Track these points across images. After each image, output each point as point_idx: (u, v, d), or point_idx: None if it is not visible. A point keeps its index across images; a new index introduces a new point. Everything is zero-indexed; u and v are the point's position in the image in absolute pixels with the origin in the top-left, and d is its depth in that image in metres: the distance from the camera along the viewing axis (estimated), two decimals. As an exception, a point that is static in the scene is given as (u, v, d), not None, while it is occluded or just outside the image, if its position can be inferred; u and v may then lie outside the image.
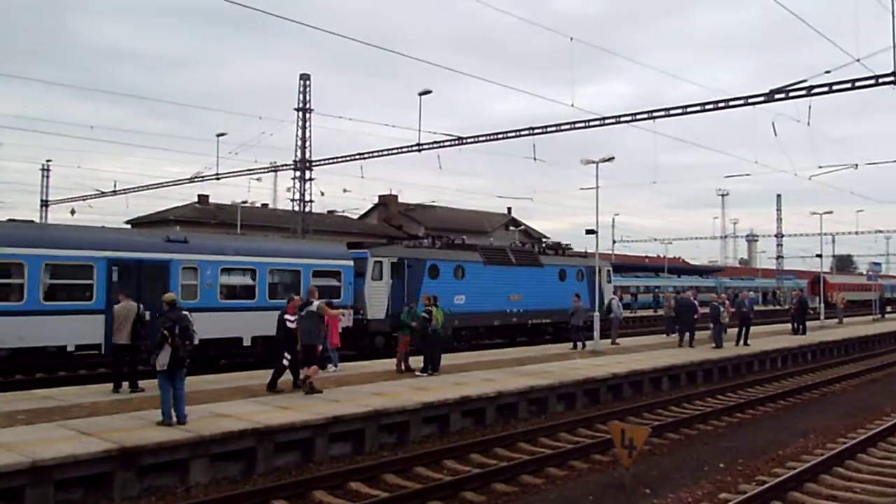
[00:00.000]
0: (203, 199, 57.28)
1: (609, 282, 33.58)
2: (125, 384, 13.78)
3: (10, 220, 19.97)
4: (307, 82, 43.09)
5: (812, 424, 14.75)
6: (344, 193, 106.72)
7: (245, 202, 52.45)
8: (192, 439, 9.96)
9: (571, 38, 23.55)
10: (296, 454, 11.17)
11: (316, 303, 14.18)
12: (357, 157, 37.11)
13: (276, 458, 10.83)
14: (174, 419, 10.68)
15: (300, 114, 42.84)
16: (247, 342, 19.24)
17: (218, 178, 41.39)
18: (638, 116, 25.84)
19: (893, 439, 13.18)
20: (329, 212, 61.32)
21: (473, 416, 14.10)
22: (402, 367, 17.29)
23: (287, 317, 14.40)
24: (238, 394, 13.58)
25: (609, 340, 25.18)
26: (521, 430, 13.48)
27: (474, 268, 26.85)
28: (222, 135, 40.70)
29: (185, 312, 11.23)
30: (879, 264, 54.54)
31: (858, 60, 19.63)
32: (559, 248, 33.62)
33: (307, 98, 43.12)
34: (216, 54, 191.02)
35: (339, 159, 39.03)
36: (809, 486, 10.11)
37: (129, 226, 50.83)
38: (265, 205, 65.86)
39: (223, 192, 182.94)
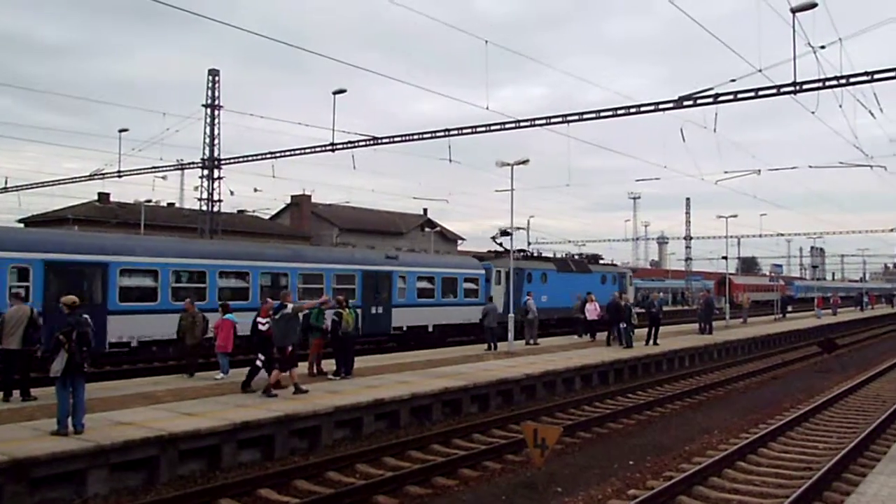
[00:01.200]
0: (104, 197, 54.91)
1: (631, 284, 42.55)
2: (16, 392, 13.00)
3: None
4: (216, 78, 42.04)
5: (717, 421, 15.24)
6: (255, 193, 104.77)
7: (149, 201, 50.60)
8: (89, 449, 9.47)
9: (486, 41, 23.50)
10: (202, 462, 10.79)
11: (290, 305, 14.58)
12: (268, 155, 36.21)
13: (181, 467, 10.44)
14: (70, 428, 10.13)
15: (208, 110, 41.75)
16: (430, 329, 24.66)
17: (120, 176, 39.62)
18: (552, 120, 26.14)
19: (792, 433, 13.74)
20: (239, 212, 59.95)
21: (387, 419, 13.94)
22: (315, 371, 16.95)
23: (259, 320, 14.64)
24: (141, 401, 13.03)
25: (524, 341, 25.47)
26: (435, 431, 13.42)
27: (552, 274, 34.60)
28: (124, 130, 39.04)
29: (85, 316, 10.67)
30: (781, 266, 57.08)
31: (761, 71, 20.33)
32: (596, 259, 42.28)
33: (216, 94, 42.07)
34: (117, 46, 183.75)
35: (250, 158, 38.05)
36: (714, 481, 10.41)
37: (21, 225, 48.32)
38: (171, 204, 63.89)
39: (126, 190, 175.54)
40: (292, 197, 65.28)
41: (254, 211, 62.40)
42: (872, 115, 22.10)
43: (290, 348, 14.26)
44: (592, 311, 27.71)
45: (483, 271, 31.38)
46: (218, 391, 14.26)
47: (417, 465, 11.01)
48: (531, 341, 25.78)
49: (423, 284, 28.02)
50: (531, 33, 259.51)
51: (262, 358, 14.39)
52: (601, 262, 42.44)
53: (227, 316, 16.38)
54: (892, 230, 66.47)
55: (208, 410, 12.13)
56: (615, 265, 46.47)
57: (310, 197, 65.04)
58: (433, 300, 26.58)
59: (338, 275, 24.87)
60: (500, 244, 34.67)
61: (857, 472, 10.67)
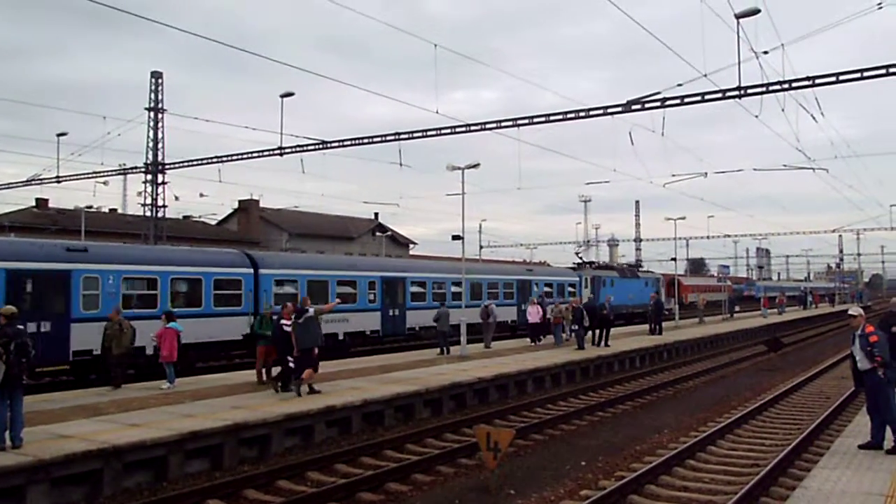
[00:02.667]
0: (42, 203, 53.18)
1: (663, 286, 53.03)
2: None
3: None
4: (159, 80, 41.27)
5: (667, 420, 15.43)
6: (201, 198, 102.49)
7: (91, 207, 49.24)
8: (28, 463, 9.16)
9: (436, 45, 23.39)
10: (148, 474, 10.52)
11: (311, 309, 15.27)
12: (214, 160, 35.41)
13: (126, 479, 10.17)
14: (8, 443, 9.77)
15: (152, 114, 40.95)
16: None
17: (59, 181, 38.49)
18: (503, 124, 26.17)
19: (740, 431, 13.97)
20: (185, 217, 58.83)
21: (339, 426, 13.78)
22: (264, 379, 16.65)
23: (283, 322, 15.42)
24: (82, 412, 12.67)
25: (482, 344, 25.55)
26: (388, 437, 13.30)
27: (617, 280, 46.31)
28: (63, 134, 37.96)
29: (21, 328, 10.27)
30: (728, 267, 58.38)
31: (706, 76, 20.64)
32: (639, 267, 57.55)
33: (159, 97, 41.29)
34: (54, 47, 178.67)
35: (195, 162, 37.12)
36: (664, 479, 10.52)
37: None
38: (114, 210, 62.45)
39: (65, 196, 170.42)
40: (240, 202, 64.21)
41: (200, 216, 61.33)
42: (814, 118, 22.56)
43: (315, 350, 15.06)
44: (534, 314, 27.68)
45: (577, 279, 43.00)
46: (164, 401, 13.93)
47: (370, 472, 10.90)
48: (487, 345, 25.83)
49: (546, 289, 38.93)
50: (483, 36, 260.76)
51: (291, 358, 14.98)
52: (641, 269, 57.64)
53: (171, 324, 16.02)
54: (834, 231, 68.54)
55: (154, 421, 11.83)
56: (652, 272, 59.44)
57: (258, 202, 64.03)
58: (551, 300, 34.01)
59: (506, 283, 36.29)
60: (581, 258, 48.66)
61: (802, 467, 10.87)
